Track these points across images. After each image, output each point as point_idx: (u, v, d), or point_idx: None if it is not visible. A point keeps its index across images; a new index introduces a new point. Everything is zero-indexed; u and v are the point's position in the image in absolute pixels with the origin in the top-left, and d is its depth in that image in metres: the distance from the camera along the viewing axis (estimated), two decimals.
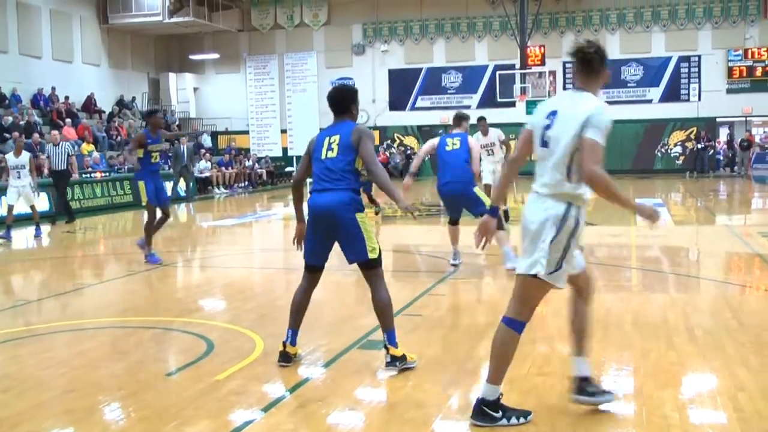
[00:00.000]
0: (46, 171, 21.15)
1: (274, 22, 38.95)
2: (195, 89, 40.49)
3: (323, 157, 6.12)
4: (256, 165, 35.09)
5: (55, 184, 20.15)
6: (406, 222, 19.12)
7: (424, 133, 37.46)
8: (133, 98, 36.59)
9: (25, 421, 5.11)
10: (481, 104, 36.38)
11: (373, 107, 37.66)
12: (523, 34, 32.99)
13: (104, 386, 5.87)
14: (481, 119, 15.68)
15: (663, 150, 35.92)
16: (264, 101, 38.57)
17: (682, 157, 35.70)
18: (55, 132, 21.28)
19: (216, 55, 39.68)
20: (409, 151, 37.37)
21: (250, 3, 38.10)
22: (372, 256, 6.02)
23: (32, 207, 16.88)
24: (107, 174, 25.00)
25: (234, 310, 8.78)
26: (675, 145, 35.82)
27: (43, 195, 21.29)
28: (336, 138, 6.12)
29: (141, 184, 11.94)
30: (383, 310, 6.05)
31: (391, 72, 37.76)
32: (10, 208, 16.38)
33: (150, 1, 35.04)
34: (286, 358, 6.22)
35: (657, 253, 13.01)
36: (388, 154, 37.04)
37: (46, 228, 18.33)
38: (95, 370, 6.30)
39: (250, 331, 7.27)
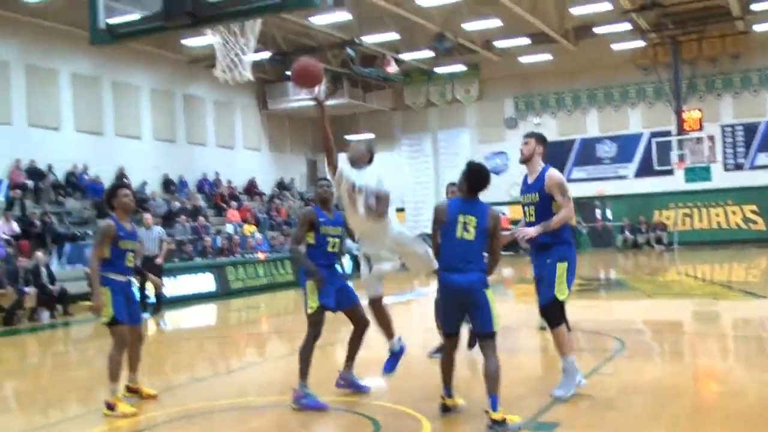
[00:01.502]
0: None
1: (427, 100, 39.55)
2: None
3: (458, 235, 6.64)
4: None
5: (148, 270, 17.95)
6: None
7: (581, 205, 36.88)
8: (292, 180, 37.74)
9: None
10: (638, 173, 35.68)
11: None
12: (678, 99, 32.32)
13: None
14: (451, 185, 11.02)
15: None
16: (419, 178, 39.01)
17: None
18: (147, 215, 19.22)
19: (371, 135, 40.49)
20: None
21: (403, 82, 38.85)
22: (495, 328, 6.66)
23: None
24: (269, 254, 25.71)
25: (399, 389, 8.75)
26: None
27: (209, 275, 22.15)
28: (472, 219, 6.65)
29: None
30: (492, 376, 6.54)
31: None
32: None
33: None
34: (446, 409, 7.04)
35: None
36: None
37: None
38: None
39: (415, 412, 7.21)
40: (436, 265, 7.26)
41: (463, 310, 6.76)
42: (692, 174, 33.77)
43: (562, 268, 7.48)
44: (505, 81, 37.75)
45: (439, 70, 37.04)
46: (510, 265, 30.40)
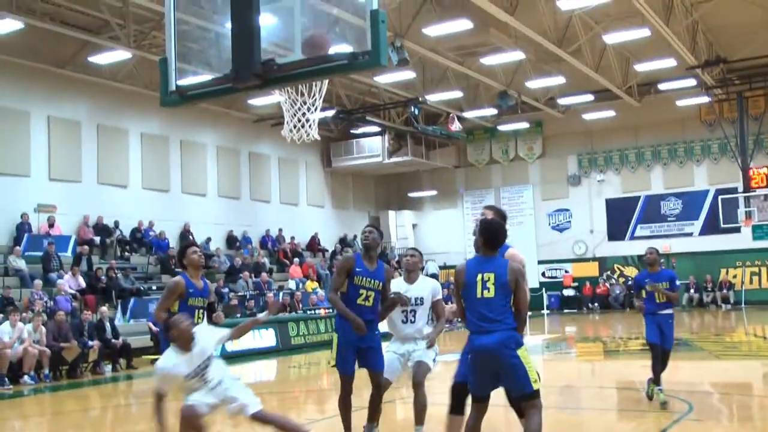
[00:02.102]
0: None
1: (490, 158, 39.58)
2: (414, 225, 41.45)
3: (479, 295, 6.28)
4: None
5: None
6: (631, 357, 18.44)
7: (644, 263, 36.37)
8: (355, 236, 37.88)
9: None
10: (704, 231, 35.07)
11: (591, 238, 37.14)
12: (744, 156, 31.85)
13: None
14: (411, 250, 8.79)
15: None
16: None
17: None
18: None
19: (434, 192, 40.62)
20: (630, 282, 36.23)
21: (466, 140, 38.97)
22: (536, 387, 6.16)
23: None
24: (330, 310, 25.73)
25: None
26: None
27: (270, 331, 22.25)
28: (491, 276, 6.28)
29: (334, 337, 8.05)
30: None
31: (608, 201, 37.23)
32: None
33: (371, 144, 36.65)
34: None
35: None
36: (608, 286, 36.18)
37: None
38: None
39: None
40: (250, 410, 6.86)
41: (494, 372, 6.27)
42: (760, 232, 33.18)
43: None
44: (568, 138, 37.64)
45: (502, 127, 37.17)
46: (573, 323, 30.07)
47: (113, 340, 18.50)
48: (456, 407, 6.91)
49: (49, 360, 16.79)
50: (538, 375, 6.21)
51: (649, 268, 11.15)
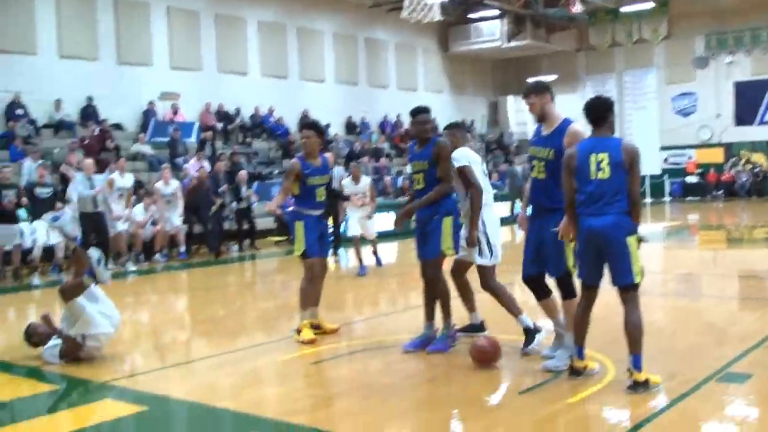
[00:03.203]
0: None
1: (612, 40, 38.28)
2: None
3: (592, 177, 6.07)
4: None
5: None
6: (755, 246, 18.02)
7: None
8: (473, 122, 37.62)
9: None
10: None
11: (718, 123, 35.85)
12: None
13: (457, 400, 6.11)
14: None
15: None
16: None
17: None
18: (327, 155, 18.39)
19: (554, 76, 39.67)
20: (757, 169, 35.05)
21: (588, 22, 37.79)
22: (637, 280, 6.04)
23: (373, 241, 15.58)
24: None
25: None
26: None
27: (391, 214, 22.52)
28: (604, 157, 6.04)
29: None
30: (632, 332, 6.02)
31: (737, 85, 35.71)
32: (355, 240, 15.27)
33: (489, 28, 35.99)
34: (575, 372, 6.42)
35: None
36: (733, 173, 35.06)
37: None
38: (446, 384, 6.55)
39: (601, 355, 6.97)
40: None
41: (602, 257, 6.10)
42: None
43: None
44: (696, 17, 35.95)
45: (625, 8, 35.79)
46: (696, 211, 29.44)
47: (241, 200, 19.47)
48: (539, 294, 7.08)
49: (182, 239, 17.76)
50: (643, 270, 6.06)
51: None
